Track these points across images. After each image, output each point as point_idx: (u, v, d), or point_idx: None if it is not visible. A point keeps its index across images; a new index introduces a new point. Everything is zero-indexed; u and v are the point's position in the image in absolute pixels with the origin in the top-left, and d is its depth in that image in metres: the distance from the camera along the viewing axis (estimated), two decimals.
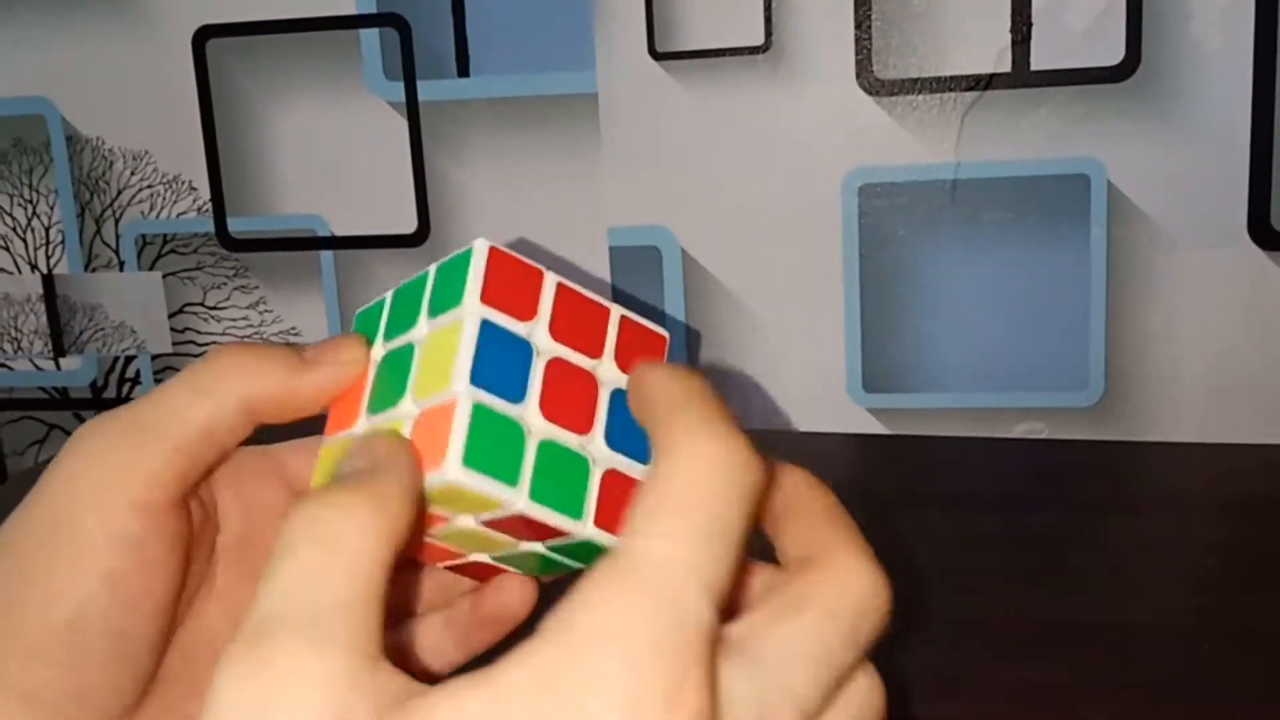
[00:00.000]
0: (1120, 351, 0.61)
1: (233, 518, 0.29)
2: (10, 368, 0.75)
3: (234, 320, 0.71)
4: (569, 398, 0.26)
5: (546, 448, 0.25)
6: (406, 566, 0.30)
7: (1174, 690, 0.37)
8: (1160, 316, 0.61)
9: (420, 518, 0.24)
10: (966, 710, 0.37)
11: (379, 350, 0.27)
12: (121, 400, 0.74)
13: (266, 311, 0.70)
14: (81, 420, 0.74)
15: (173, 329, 0.72)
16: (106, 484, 0.25)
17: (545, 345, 0.26)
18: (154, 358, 0.73)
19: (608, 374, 0.27)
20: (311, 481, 0.28)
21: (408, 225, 0.67)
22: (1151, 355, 0.61)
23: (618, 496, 0.26)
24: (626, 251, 0.65)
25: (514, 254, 0.26)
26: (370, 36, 0.65)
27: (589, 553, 0.26)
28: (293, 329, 0.70)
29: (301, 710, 0.18)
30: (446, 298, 0.26)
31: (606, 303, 0.27)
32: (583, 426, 0.26)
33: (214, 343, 0.71)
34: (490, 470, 0.24)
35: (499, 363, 0.25)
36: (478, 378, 0.24)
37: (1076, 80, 0.59)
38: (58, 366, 0.74)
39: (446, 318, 0.25)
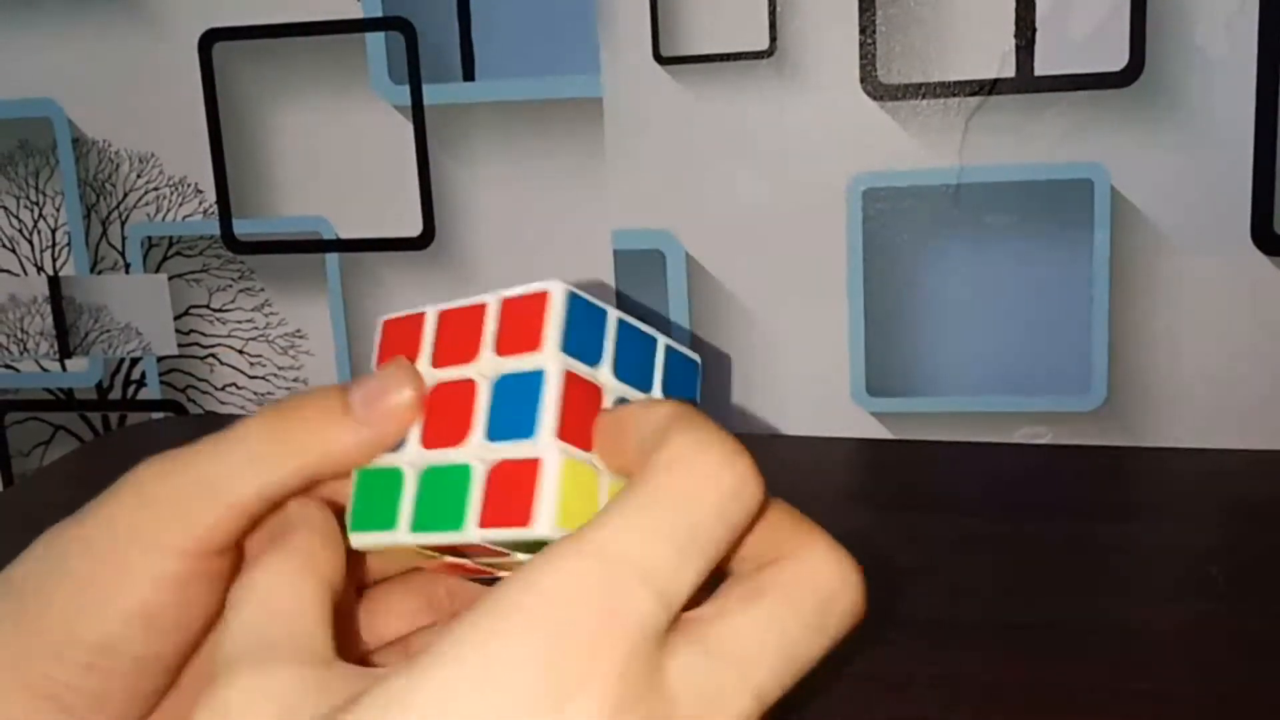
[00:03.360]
0: (1123, 356, 0.61)
1: (253, 539, 0.29)
2: (16, 369, 0.75)
3: (239, 323, 0.71)
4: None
5: (616, 489, 0.25)
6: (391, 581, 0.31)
7: (1175, 697, 0.37)
8: (1163, 321, 0.61)
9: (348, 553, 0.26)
10: (967, 716, 0.37)
11: (606, 374, 0.25)
12: (126, 403, 0.74)
13: (272, 314, 0.71)
14: (87, 421, 0.75)
15: (178, 331, 0.72)
16: (158, 529, 0.25)
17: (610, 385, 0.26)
18: (159, 360, 0.73)
19: None
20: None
21: (413, 228, 0.68)
22: (1154, 360, 0.61)
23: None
24: (630, 255, 0.65)
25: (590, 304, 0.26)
26: (376, 40, 0.66)
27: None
28: (298, 331, 0.70)
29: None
30: (682, 394, 0.27)
31: (654, 332, 0.27)
32: None
33: (220, 345, 0.72)
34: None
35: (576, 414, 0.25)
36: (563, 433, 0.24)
37: (1080, 85, 0.59)
38: (63, 368, 0.74)
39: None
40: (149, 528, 0.25)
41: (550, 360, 0.24)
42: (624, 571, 0.19)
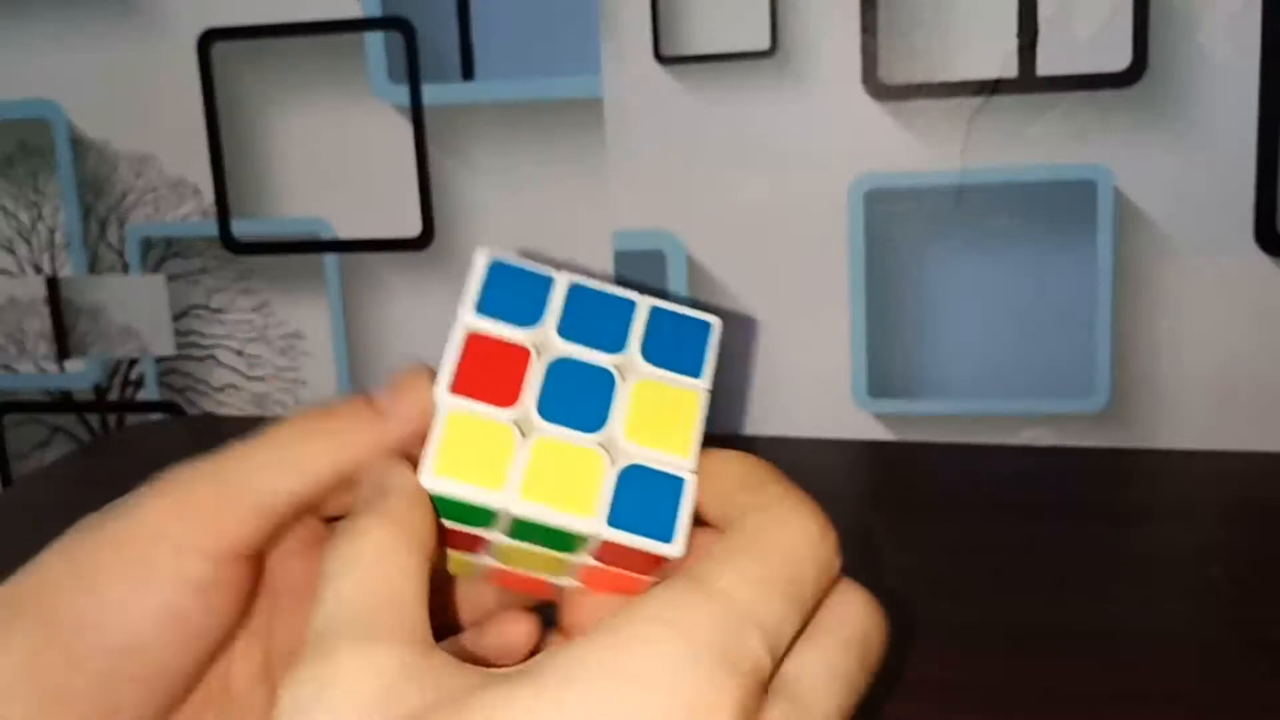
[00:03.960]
0: (1126, 358, 0.61)
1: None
2: (14, 370, 0.75)
3: (238, 323, 0.71)
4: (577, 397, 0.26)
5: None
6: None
7: (1178, 699, 0.37)
8: (1166, 323, 0.60)
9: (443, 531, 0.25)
10: (968, 718, 0.37)
11: (548, 335, 0.26)
12: (124, 404, 0.74)
13: (270, 315, 0.70)
14: (85, 423, 0.75)
15: (177, 332, 0.72)
16: (186, 531, 0.25)
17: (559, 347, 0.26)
18: (158, 360, 0.73)
19: (631, 364, 0.27)
20: (434, 441, 0.26)
21: (412, 229, 0.67)
22: (1158, 362, 0.61)
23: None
24: (631, 256, 0.65)
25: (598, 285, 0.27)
26: (375, 40, 0.65)
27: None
28: (296, 332, 0.70)
29: (354, 699, 0.20)
30: (675, 356, 0.26)
31: (635, 295, 0.27)
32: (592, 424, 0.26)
33: (218, 346, 0.71)
34: (557, 502, 0.24)
35: (572, 397, 0.25)
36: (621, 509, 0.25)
37: (1083, 86, 0.59)
38: (62, 369, 0.74)
39: (675, 379, 0.26)
40: (178, 529, 0.25)
41: (459, 321, 0.26)
42: (745, 622, 0.20)
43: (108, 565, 0.25)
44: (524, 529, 0.25)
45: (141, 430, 0.71)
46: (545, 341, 0.26)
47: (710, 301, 0.65)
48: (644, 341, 0.26)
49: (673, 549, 0.24)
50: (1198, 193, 0.59)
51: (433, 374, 0.26)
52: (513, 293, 0.26)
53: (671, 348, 0.26)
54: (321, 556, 0.23)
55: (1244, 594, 0.44)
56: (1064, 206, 0.60)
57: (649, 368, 0.26)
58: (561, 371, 0.26)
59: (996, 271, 0.62)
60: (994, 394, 0.63)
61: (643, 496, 0.25)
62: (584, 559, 0.26)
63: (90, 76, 0.69)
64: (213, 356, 0.72)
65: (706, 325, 0.27)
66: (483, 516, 0.25)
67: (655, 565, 0.25)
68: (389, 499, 0.24)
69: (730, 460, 0.25)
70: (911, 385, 0.64)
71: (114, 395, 0.74)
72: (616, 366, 0.26)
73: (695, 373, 0.26)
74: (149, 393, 0.73)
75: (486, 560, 0.28)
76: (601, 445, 0.25)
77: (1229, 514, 0.52)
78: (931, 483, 0.58)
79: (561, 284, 0.27)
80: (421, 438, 0.26)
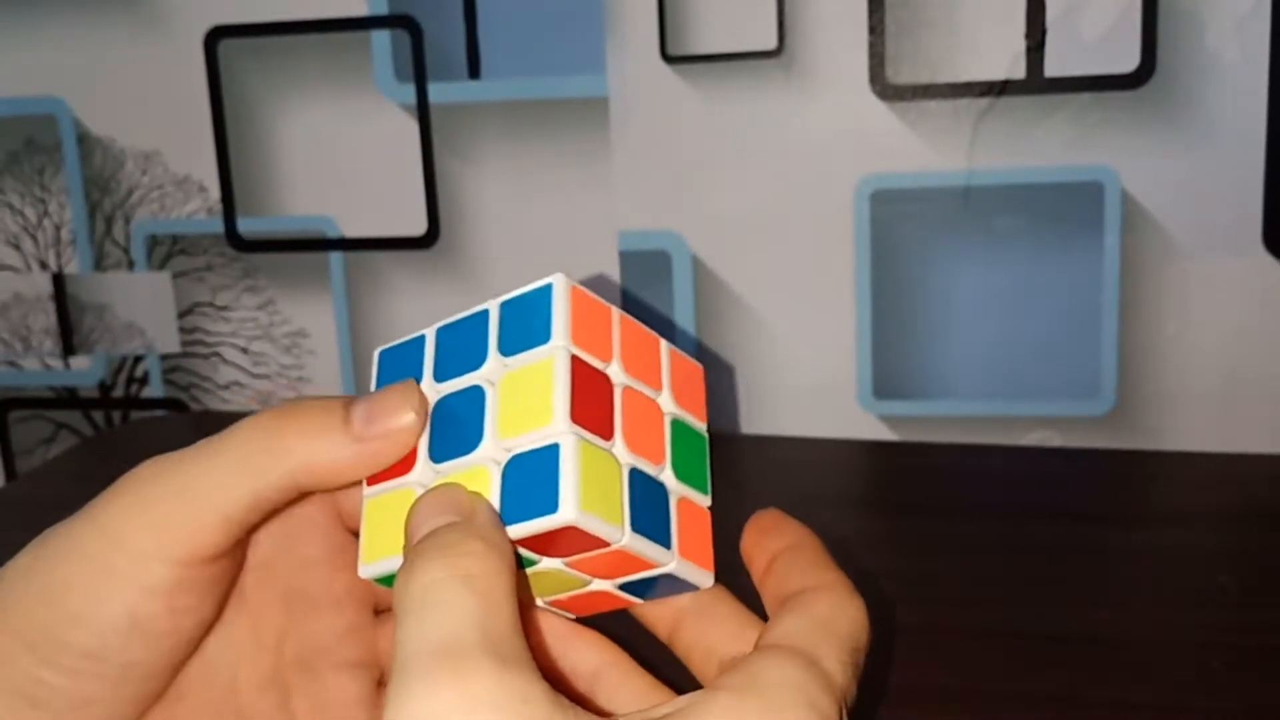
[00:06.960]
0: (1133, 360, 0.61)
1: (265, 536, 0.29)
2: (19, 366, 0.75)
3: (243, 321, 0.71)
4: (644, 429, 0.26)
5: (634, 479, 0.25)
6: None
7: (1182, 707, 0.37)
8: (1173, 325, 0.60)
9: None
10: None
11: (428, 392, 0.27)
12: (129, 401, 0.74)
13: (275, 312, 0.70)
14: (90, 419, 0.75)
15: (181, 329, 0.72)
16: (146, 539, 0.25)
17: (619, 378, 0.26)
18: (163, 358, 0.73)
19: (667, 404, 0.27)
20: (361, 533, 0.27)
21: (417, 227, 0.67)
22: (1164, 364, 0.61)
23: (690, 525, 0.26)
24: (636, 256, 0.65)
25: (588, 291, 0.26)
26: (381, 38, 0.65)
27: (648, 586, 0.27)
28: (301, 330, 0.70)
29: None
30: (525, 335, 0.25)
31: (653, 333, 0.28)
32: (658, 457, 0.26)
33: (223, 343, 0.71)
34: (601, 510, 0.24)
35: (590, 399, 0.25)
36: (577, 415, 0.24)
37: (1091, 87, 0.58)
38: (66, 365, 0.74)
39: (529, 356, 0.25)
40: (138, 535, 0.25)
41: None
42: (843, 702, 0.23)
43: (66, 577, 0.25)
44: None
45: (144, 426, 0.71)
46: (429, 395, 0.26)
47: (716, 301, 0.64)
48: (499, 340, 0.26)
49: (562, 515, 0.23)
50: (1205, 195, 0.58)
51: (418, 397, 0.26)
52: (399, 369, 0.27)
53: (521, 330, 0.26)
54: (409, 568, 0.22)
55: (1250, 599, 0.44)
56: (1071, 208, 0.60)
57: (505, 361, 0.26)
58: (442, 412, 0.26)
59: (1002, 273, 0.61)
60: (999, 396, 0.63)
61: (527, 481, 0.24)
62: (557, 564, 0.26)
63: (96, 73, 0.69)
64: (217, 354, 0.72)
65: (546, 288, 0.26)
66: None
67: (588, 539, 0.25)
68: (487, 528, 0.23)
69: (790, 527, 0.28)
70: (916, 386, 0.64)
71: (119, 392, 0.74)
72: (485, 379, 0.26)
73: (544, 338, 0.25)
74: (154, 390, 0.73)
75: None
76: (488, 458, 0.25)
77: (1236, 517, 0.52)
78: (936, 484, 0.58)
79: (430, 335, 0.27)
80: (383, 464, 0.26)
